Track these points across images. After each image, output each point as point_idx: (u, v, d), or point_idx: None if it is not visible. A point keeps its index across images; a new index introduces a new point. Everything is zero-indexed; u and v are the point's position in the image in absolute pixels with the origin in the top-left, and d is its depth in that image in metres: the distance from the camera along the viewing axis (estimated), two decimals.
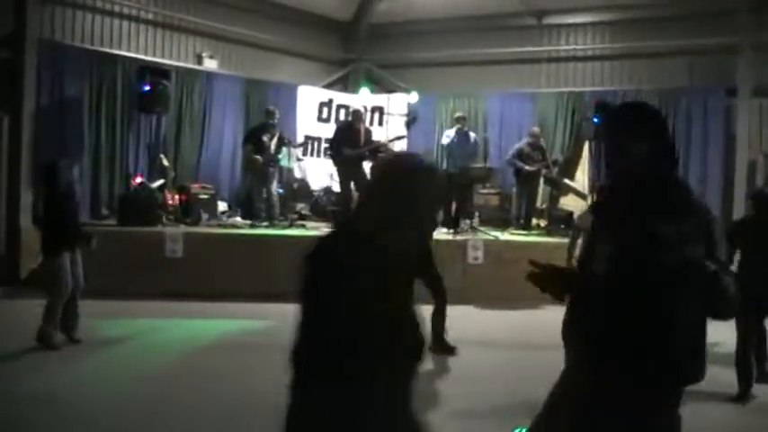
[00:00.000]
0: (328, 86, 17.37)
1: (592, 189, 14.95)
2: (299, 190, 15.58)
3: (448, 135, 14.52)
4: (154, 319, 9.99)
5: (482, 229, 13.29)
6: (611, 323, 3.06)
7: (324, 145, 16.14)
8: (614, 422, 3.09)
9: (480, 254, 12.25)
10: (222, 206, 14.27)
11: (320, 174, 15.87)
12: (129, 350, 8.63)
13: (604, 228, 3.29)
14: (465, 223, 13.28)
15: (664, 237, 2.97)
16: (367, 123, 14.88)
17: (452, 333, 8.62)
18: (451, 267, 11.03)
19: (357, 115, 13.84)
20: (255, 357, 8.05)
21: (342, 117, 16.38)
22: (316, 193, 15.64)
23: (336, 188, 15.16)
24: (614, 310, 3.03)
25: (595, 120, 14.50)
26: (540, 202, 15.29)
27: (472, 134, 14.69)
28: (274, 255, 11.76)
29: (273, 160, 13.41)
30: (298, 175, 15.79)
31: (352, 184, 13.28)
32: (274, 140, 13.36)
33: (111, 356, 8.33)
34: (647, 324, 3.00)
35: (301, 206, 15.18)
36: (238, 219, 13.99)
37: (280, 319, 9.90)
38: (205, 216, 13.27)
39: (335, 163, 13.74)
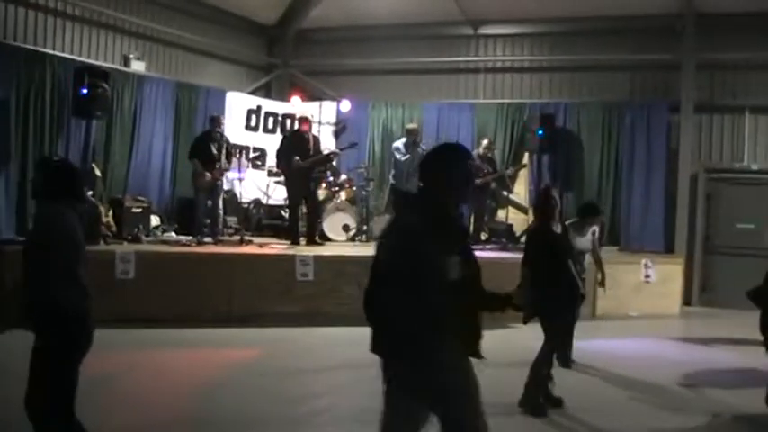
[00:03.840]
0: (253, 92, 16.42)
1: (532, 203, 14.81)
2: (227, 203, 14.43)
3: (398, 149, 13.54)
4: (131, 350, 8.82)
5: None
6: None
7: (252, 154, 15.20)
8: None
9: None
10: (155, 220, 13.13)
11: (249, 186, 14.85)
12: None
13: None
14: None
15: None
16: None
17: None
18: None
19: (305, 123, 13.02)
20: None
21: (270, 125, 15.58)
22: (245, 206, 14.69)
23: (268, 201, 14.37)
24: None
25: (540, 132, 14.34)
26: None
27: (423, 146, 14.02)
28: (233, 275, 10.94)
29: (226, 171, 12.49)
30: (225, 186, 14.62)
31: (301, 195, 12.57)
32: (223, 150, 12.38)
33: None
34: None
35: (231, 219, 14.16)
36: (173, 234, 12.94)
37: (266, 347, 9.14)
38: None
39: (285, 174, 12.88)
